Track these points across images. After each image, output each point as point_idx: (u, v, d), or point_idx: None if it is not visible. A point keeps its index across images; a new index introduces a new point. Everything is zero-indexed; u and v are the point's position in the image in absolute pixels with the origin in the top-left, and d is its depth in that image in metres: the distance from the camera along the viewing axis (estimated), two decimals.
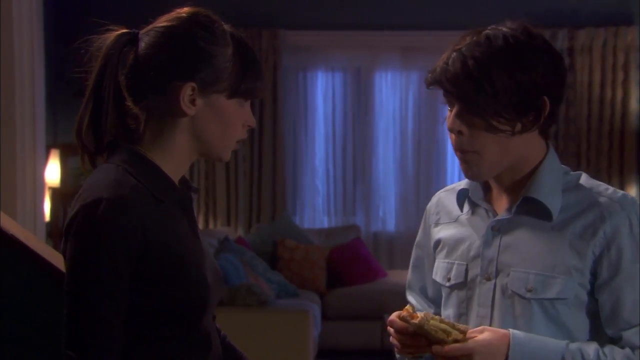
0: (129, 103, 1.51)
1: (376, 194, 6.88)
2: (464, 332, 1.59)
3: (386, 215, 6.90)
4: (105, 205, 1.42)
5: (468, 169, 1.66)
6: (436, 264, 1.82)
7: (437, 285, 1.83)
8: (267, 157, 6.66)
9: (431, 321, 1.59)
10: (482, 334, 1.60)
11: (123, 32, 1.55)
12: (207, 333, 1.58)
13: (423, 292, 1.92)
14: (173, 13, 1.56)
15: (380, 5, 6.69)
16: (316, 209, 6.91)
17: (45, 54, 4.52)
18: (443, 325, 1.59)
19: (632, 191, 6.56)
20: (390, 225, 6.87)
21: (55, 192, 5.68)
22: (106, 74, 1.52)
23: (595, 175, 6.50)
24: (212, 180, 6.68)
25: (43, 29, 4.95)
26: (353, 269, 6.24)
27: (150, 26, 1.56)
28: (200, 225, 6.65)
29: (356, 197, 6.89)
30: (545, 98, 1.60)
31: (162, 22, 1.55)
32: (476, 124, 1.61)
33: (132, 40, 1.55)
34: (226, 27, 1.58)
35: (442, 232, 1.82)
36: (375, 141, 6.83)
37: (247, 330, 4.62)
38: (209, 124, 1.55)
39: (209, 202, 6.70)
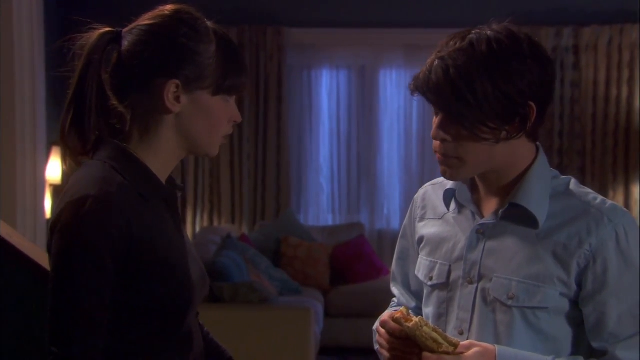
0: (114, 102, 1.51)
1: (381, 192, 6.87)
2: (455, 346, 1.56)
3: (390, 213, 6.90)
4: (92, 203, 1.42)
5: (446, 171, 1.64)
6: (419, 260, 1.80)
7: (420, 280, 1.80)
8: (272, 155, 6.66)
9: (424, 328, 1.56)
10: (469, 350, 1.57)
11: (106, 31, 1.55)
12: (189, 331, 1.58)
13: (406, 285, 1.90)
14: (156, 11, 1.56)
15: (385, 3, 6.68)
16: (320, 207, 6.91)
17: (46, 51, 4.53)
18: (435, 335, 1.56)
19: (636, 189, 6.53)
20: (395, 223, 6.86)
21: (57, 189, 5.69)
22: (89, 73, 1.52)
23: (600, 173, 6.54)
24: (217, 177, 6.68)
25: (45, 25, 4.97)
26: (356, 267, 6.24)
27: (134, 24, 1.56)
28: (205, 223, 6.66)
29: (361, 195, 6.89)
30: (532, 104, 1.57)
31: (145, 20, 1.55)
32: (460, 133, 1.58)
33: (115, 38, 1.54)
34: (209, 23, 1.58)
35: (427, 229, 1.79)
36: (379, 139, 6.82)
37: (248, 327, 4.63)
38: (195, 121, 1.55)
39: (213, 200, 6.70)
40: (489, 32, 1.58)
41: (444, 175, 1.65)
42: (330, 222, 6.88)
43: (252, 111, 6.66)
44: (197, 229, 6.64)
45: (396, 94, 6.82)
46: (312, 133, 6.87)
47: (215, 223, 6.69)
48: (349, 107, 6.86)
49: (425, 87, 1.58)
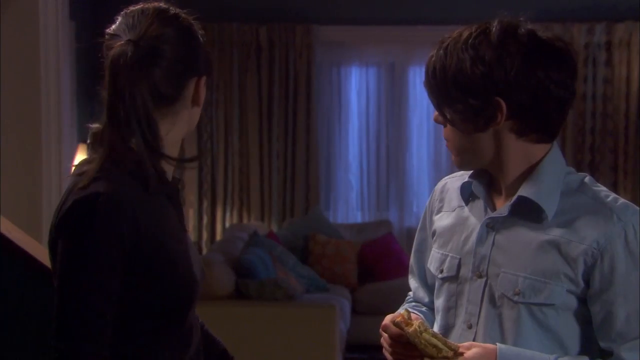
0: (152, 113, 1.52)
1: (410, 190, 6.85)
2: (454, 350, 1.56)
3: (420, 210, 6.82)
4: (101, 199, 1.44)
5: (453, 158, 1.69)
6: (431, 253, 1.79)
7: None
8: (301, 152, 6.67)
9: (424, 334, 1.56)
10: (469, 350, 1.57)
11: (126, 45, 1.51)
12: (190, 326, 1.59)
13: (422, 278, 1.89)
14: (153, 12, 1.55)
15: None
16: (349, 204, 6.90)
17: (76, 48, 4.56)
18: (434, 341, 1.56)
19: None
20: None
21: None
22: (124, 88, 1.50)
23: (633, 170, 6.43)
24: (246, 175, 6.71)
25: (76, 23, 4.99)
26: (384, 264, 6.23)
27: (154, 30, 1.54)
28: (234, 220, 6.69)
29: (390, 192, 6.87)
30: (500, 100, 1.56)
31: (159, 26, 1.54)
32: (443, 120, 1.65)
33: (146, 48, 1.52)
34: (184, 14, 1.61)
35: (441, 221, 1.79)
36: (409, 136, 6.80)
37: (274, 324, 4.65)
38: (198, 107, 1.61)
39: (242, 197, 6.73)
40: (481, 25, 1.60)
41: (455, 163, 1.69)
42: (359, 220, 6.87)
43: (281, 109, 6.67)
44: (227, 225, 6.68)
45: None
46: (341, 130, 6.87)
47: (245, 220, 6.72)
48: (378, 104, 6.84)
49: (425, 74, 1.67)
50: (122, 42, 1.51)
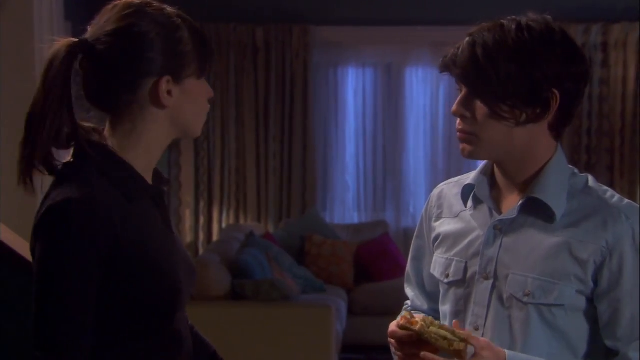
0: (94, 110, 1.49)
1: (407, 190, 6.85)
2: (465, 340, 1.55)
3: (416, 211, 6.86)
4: (74, 205, 1.41)
5: (465, 148, 1.65)
6: (434, 258, 1.79)
7: (435, 280, 1.79)
8: (298, 153, 6.67)
9: (431, 327, 1.56)
10: (483, 350, 1.55)
11: (70, 44, 1.48)
12: (178, 330, 1.57)
13: (420, 286, 1.89)
14: (119, 9, 1.51)
15: (411, 0, 6.66)
16: (346, 205, 6.90)
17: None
18: (443, 332, 1.56)
19: None
20: None
21: None
22: (58, 87, 1.46)
23: (629, 171, 6.43)
24: (243, 176, 6.71)
25: (70, 19, 4.97)
26: (380, 265, 6.23)
27: (101, 30, 1.50)
28: (231, 221, 6.69)
29: (386, 193, 6.87)
30: (555, 91, 1.57)
31: (113, 22, 1.50)
32: (480, 110, 1.60)
33: (82, 49, 1.49)
34: (172, 10, 1.56)
35: (443, 227, 1.79)
36: (406, 137, 6.80)
37: (270, 324, 4.65)
38: (185, 108, 1.55)
39: (239, 198, 6.73)
40: (522, 19, 1.61)
41: (463, 153, 1.66)
42: (355, 220, 6.87)
43: (278, 109, 6.67)
44: (223, 226, 6.67)
45: (422, 91, 6.79)
46: (338, 131, 6.86)
47: (241, 221, 6.72)
48: (375, 105, 6.84)
49: (452, 63, 1.62)
50: (62, 42, 1.48)
